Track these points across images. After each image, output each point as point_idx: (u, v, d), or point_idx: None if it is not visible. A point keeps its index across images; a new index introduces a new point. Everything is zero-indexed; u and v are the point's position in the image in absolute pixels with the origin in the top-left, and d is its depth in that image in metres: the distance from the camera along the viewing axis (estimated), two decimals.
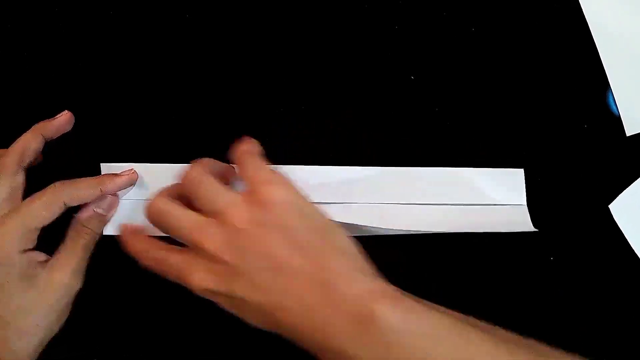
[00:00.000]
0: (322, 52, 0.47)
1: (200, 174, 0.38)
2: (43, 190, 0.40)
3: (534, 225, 0.45)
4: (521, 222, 0.45)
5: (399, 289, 0.35)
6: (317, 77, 0.47)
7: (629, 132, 0.47)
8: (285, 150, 0.45)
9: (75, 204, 0.41)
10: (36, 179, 0.45)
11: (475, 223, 0.44)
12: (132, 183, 0.43)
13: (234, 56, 0.47)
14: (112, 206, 0.43)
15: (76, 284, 0.41)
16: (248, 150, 0.39)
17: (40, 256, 0.41)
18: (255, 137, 0.46)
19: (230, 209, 0.36)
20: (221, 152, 0.44)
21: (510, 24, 0.48)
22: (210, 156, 0.42)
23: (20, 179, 0.41)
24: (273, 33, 0.47)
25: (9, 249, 0.39)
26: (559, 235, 0.46)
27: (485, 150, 0.46)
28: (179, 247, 0.38)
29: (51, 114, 0.46)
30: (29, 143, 0.42)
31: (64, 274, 0.40)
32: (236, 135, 0.44)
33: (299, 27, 0.47)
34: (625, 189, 0.47)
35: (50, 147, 0.45)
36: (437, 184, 0.45)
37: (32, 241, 0.40)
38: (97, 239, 0.42)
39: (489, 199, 0.45)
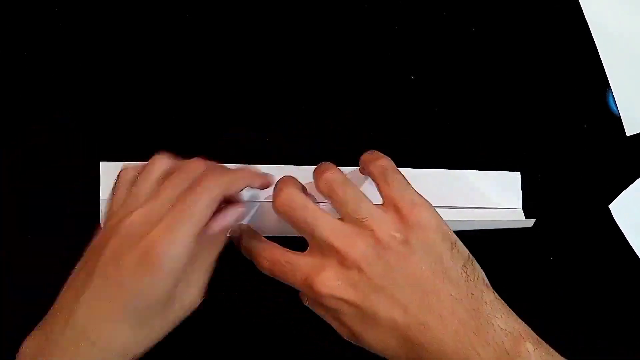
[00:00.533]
0: (322, 52, 0.47)
1: (341, 177, 0.38)
2: (196, 188, 0.36)
3: (533, 224, 0.45)
4: (517, 222, 0.45)
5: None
6: (317, 77, 0.47)
7: (629, 132, 0.47)
8: (286, 150, 0.45)
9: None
10: (35, 177, 0.45)
11: (472, 224, 0.44)
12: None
13: (234, 56, 0.47)
14: (238, 218, 0.40)
15: (199, 302, 0.38)
16: (390, 166, 0.39)
17: None
18: (255, 137, 0.46)
19: (377, 222, 0.36)
20: (221, 151, 0.44)
21: (510, 24, 0.48)
22: (209, 156, 0.42)
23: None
24: (273, 33, 0.47)
25: (175, 252, 0.34)
26: (558, 235, 0.46)
27: (485, 150, 0.47)
28: (296, 252, 0.37)
29: (51, 113, 0.46)
30: (234, 186, 0.38)
31: (199, 290, 0.37)
32: (236, 135, 0.44)
33: (299, 27, 0.47)
34: (625, 189, 0.47)
35: (49, 144, 0.45)
36: (434, 185, 0.45)
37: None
38: None
39: (485, 201, 0.45)
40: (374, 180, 0.39)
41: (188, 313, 0.37)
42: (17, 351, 0.36)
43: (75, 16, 0.47)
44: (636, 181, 0.47)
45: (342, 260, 0.35)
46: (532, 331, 0.35)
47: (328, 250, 0.36)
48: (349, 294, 0.35)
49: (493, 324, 0.34)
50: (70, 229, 0.45)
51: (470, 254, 0.37)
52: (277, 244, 0.39)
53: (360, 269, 0.35)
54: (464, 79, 0.47)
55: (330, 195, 0.38)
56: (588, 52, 0.47)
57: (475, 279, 0.36)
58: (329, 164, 0.39)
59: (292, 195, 0.37)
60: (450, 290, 0.35)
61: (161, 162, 0.38)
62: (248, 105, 0.46)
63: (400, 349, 0.35)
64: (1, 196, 0.46)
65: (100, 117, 0.46)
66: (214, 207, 0.36)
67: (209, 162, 0.38)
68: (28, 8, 0.47)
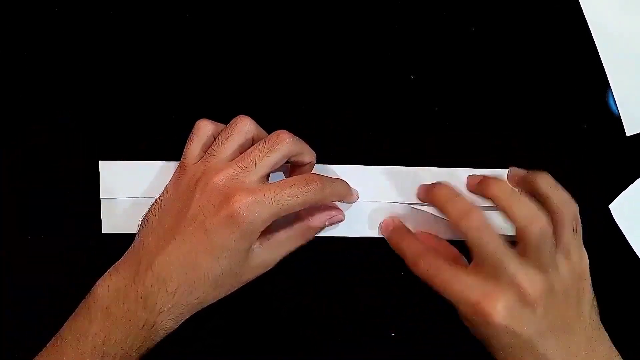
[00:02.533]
0: (322, 52, 0.47)
1: (548, 228, 0.38)
2: (307, 179, 0.39)
3: None
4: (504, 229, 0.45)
5: None
6: (317, 77, 0.47)
7: (629, 132, 0.47)
8: None
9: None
10: (35, 177, 0.45)
11: None
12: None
13: (234, 56, 0.47)
14: (337, 222, 0.44)
15: (265, 271, 0.41)
16: (577, 216, 0.41)
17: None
18: None
19: (557, 267, 0.39)
20: None
21: (510, 24, 0.48)
22: None
23: (211, 141, 0.41)
24: (273, 33, 0.47)
25: (259, 220, 0.38)
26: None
27: (485, 150, 0.47)
28: (458, 265, 0.39)
29: (51, 113, 0.46)
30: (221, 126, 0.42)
31: (273, 260, 0.41)
32: None
33: (299, 27, 0.47)
34: (625, 189, 0.47)
35: (49, 144, 0.45)
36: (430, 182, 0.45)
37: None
38: None
39: (482, 201, 0.45)
40: (556, 218, 0.39)
41: (254, 277, 0.41)
42: (90, 291, 0.38)
43: (75, 16, 0.47)
44: (636, 181, 0.47)
45: (522, 296, 0.37)
46: None
47: (506, 281, 0.37)
48: (525, 329, 0.37)
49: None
50: (70, 229, 0.45)
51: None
52: (433, 248, 0.41)
53: (536, 307, 0.37)
54: (463, 79, 0.47)
55: (529, 242, 0.38)
56: (588, 52, 0.47)
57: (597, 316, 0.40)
58: (446, 188, 0.40)
59: (481, 218, 0.38)
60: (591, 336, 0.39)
61: (246, 126, 0.40)
62: (248, 105, 0.46)
63: None
64: (1, 196, 0.46)
65: (100, 116, 0.46)
66: (304, 205, 0.39)
67: (294, 137, 0.40)
68: (28, 8, 0.47)
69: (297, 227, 0.42)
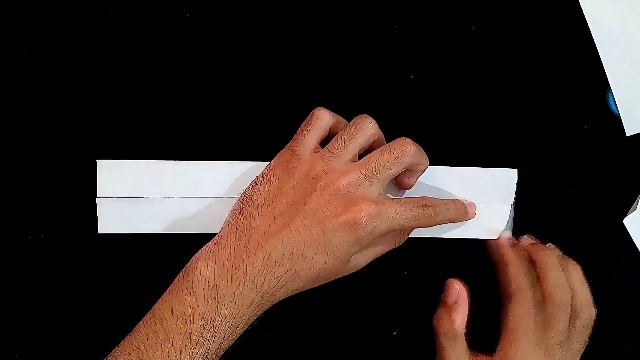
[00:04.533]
0: (322, 52, 0.47)
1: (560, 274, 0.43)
2: (424, 203, 0.40)
3: (533, 224, 0.45)
4: (497, 226, 0.46)
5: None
6: (317, 77, 0.47)
7: (629, 132, 0.47)
8: None
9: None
10: (35, 177, 0.45)
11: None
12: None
13: (234, 56, 0.47)
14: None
15: (358, 269, 0.41)
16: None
17: None
18: (255, 137, 0.46)
19: (562, 321, 0.42)
20: (220, 151, 0.45)
21: (510, 24, 0.48)
22: (208, 155, 0.42)
23: (326, 133, 0.42)
24: (273, 33, 0.47)
25: (377, 231, 0.39)
26: (558, 234, 0.46)
27: (485, 150, 0.47)
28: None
29: (51, 113, 0.46)
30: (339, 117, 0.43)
31: (365, 263, 0.41)
32: (236, 134, 0.44)
33: (299, 27, 0.47)
34: (625, 189, 0.47)
35: (46, 143, 0.45)
36: (429, 181, 0.45)
37: None
38: None
39: (477, 197, 0.45)
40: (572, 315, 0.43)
41: (345, 275, 0.41)
42: (190, 268, 0.38)
43: (75, 16, 0.47)
44: None
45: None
46: None
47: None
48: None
49: None
50: (69, 228, 0.45)
51: None
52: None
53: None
54: (463, 78, 0.47)
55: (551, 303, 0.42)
56: (588, 52, 0.47)
57: None
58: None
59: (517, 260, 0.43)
60: None
61: (370, 129, 0.41)
62: (247, 105, 0.46)
63: None
64: (1, 196, 0.46)
65: (98, 115, 0.46)
66: (415, 227, 0.41)
67: (417, 148, 0.41)
68: (28, 8, 0.47)
69: (392, 233, 0.42)
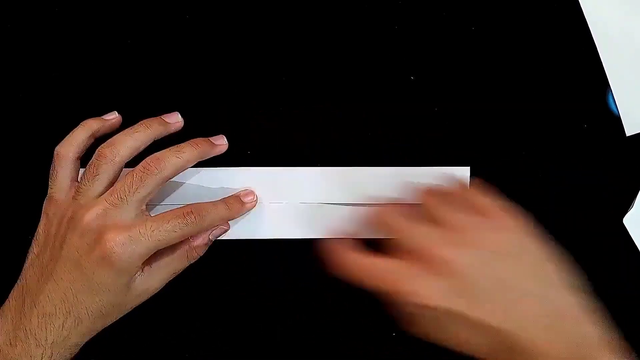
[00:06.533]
0: (322, 52, 0.47)
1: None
2: (185, 212, 0.39)
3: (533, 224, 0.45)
4: None
5: (621, 338, 0.36)
6: (317, 77, 0.47)
7: (629, 132, 0.47)
8: (286, 150, 0.45)
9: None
10: (35, 177, 0.45)
11: None
12: (251, 208, 0.44)
13: (234, 56, 0.47)
14: (221, 234, 0.43)
15: (155, 292, 0.41)
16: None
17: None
18: (254, 137, 0.46)
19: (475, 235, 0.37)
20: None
21: (510, 24, 0.48)
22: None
23: (77, 167, 0.42)
24: (273, 33, 0.47)
25: (135, 256, 0.38)
26: (558, 234, 0.46)
27: (485, 150, 0.47)
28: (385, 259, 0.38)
29: (51, 112, 0.46)
30: (81, 137, 0.42)
31: (158, 284, 0.41)
32: (235, 134, 0.44)
33: (299, 27, 0.47)
34: (624, 189, 0.47)
35: (47, 142, 0.45)
36: (384, 183, 0.45)
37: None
38: None
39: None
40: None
41: (139, 303, 0.41)
42: None
43: (75, 16, 0.47)
44: None
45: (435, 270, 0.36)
46: (618, 340, 0.36)
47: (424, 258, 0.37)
48: (456, 304, 0.35)
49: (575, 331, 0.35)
50: None
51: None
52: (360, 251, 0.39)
53: (451, 277, 0.36)
54: (463, 78, 0.47)
55: (438, 216, 0.38)
56: (588, 52, 0.47)
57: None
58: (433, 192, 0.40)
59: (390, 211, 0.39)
60: (535, 291, 0.36)
61: (111, 160, 0.40)
62: (247, 105, 0.46)
63: (493, 350, 0.36)
64: (1, 196, 0.46)
65: (99, 114, 0.46)
66: (183, 237, 0.39)
67: (167, 159, 0.40)
68: (28, 8, 0.47)
69: (180, 250, 0.41)
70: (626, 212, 0.46)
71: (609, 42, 0.47)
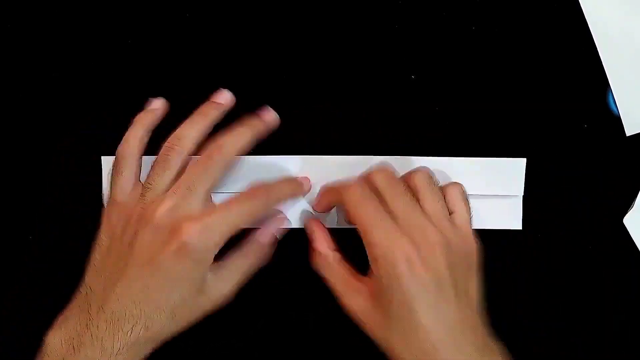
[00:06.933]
0: (322, 52, 0.47)
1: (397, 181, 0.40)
2: (251, 193, 0.39)
3: (532, 224, 0.45)
4: (510, 217, 0.45)
5: None
6: (317, 77, 0.47)
7: (629, 132, 0.47)
8: (286, 150, 0.45)
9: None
10: (35, 176, 0.45)
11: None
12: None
13: (234, 55, 0.47)
14: (284, 232, 0.44)
15: (228, 300, 0.40)
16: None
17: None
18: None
19: (428, 232, 0.38)
20: None
21: (510, 24, 0.48)
22: None
23: (140, 164, 0.42)
24: (273, 33, 0.47)
25: (211, 244, 0.37)
26: (558, 234, 0.46)
27: (485, 150, 0.47)
28: None
29: (51, 113, 0.46)
30: (140, 133, 0.42)
31: (231, 288, 0.40)
32: None
33: (299, 27, 0.47)
34: (624, 189, 0.47)
35: (50, 140, 0.45)
36: (438, 173, 0.44)
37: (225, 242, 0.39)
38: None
39: (485, 189, 0.45)
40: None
41: (215, 308, 0.40)
42: (42, 347, 0.37)
43: (75, 16, 0.47)
44: None
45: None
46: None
47: None
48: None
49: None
50: (70, 228, 0.45)
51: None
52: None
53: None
54: (464, 78, 0.47)
55: (387, 198, 0.39)
56: (588, 52, 0.47)
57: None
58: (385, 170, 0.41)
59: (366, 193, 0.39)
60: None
61: (179, 154, 0.40)
62: (247, 105, 0.46)
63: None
64: (1, 196, 0.46)
65: (102, 113, 0.46)
66: (256, 217, 0.39)
67: (226, 146, 0.40)
68: (28, 8, 0.47)
69: (247, 249, 0.41)
70: (626, 212, 0.46)
71: (609, 42, 0.47)
